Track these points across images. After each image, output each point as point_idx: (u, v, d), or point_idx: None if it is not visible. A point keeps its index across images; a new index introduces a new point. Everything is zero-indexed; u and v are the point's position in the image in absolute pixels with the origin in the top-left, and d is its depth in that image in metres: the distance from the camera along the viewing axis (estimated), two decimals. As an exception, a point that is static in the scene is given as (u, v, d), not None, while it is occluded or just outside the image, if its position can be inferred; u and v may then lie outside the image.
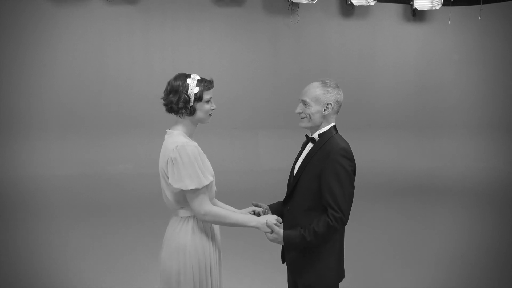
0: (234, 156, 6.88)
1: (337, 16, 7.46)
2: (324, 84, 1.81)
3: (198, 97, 1.76)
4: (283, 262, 2.01)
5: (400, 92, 7.76)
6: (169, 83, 1.79)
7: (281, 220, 1.83)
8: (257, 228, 1.77)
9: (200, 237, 1.78)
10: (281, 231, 1.75)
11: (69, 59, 6.44)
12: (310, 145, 1.85)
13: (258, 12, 7.11)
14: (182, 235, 1.77)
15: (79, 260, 3.67)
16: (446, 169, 7.27)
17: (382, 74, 7.71)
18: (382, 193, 6.28)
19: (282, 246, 1.97)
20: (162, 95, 1.81)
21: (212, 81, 1.82)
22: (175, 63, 6.77)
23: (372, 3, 6.94)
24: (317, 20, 7.35)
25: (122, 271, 3.47)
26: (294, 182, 1.84)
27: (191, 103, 1.75)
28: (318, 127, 1.83)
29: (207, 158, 1.83)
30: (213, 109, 1.83)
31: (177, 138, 1.74)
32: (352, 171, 1.74)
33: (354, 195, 1.77)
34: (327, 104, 1.79)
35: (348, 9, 7.44)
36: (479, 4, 6.93)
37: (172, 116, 1.85)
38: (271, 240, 1.78)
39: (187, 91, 1.74)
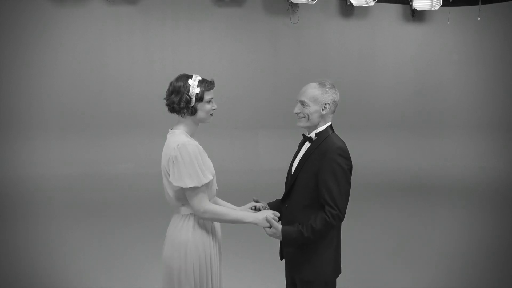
0: (234, 156, 6.90)
1: (336, 16, 7.48)
2: (321, 84, 1.86)
3: (199, 98, 1.80)
4: (281, 259, 2.05)
5: (399, 92, 7.79)
6: (171, 83, 1.83)
7: (278, 214, 1.87)
8: (255, 223, 1.82)
9: (201, 234, 1.82)
10: (280, 226, 1.80)
11: (70, 59, 6.46)
12: (307, 144, 1.90)
13: (258, 12, 7.13)
14: (183, 232, 1.81)
15: (80, 260, 3.67)
16: (446, 169, 7.30)
17: (381, 74, 7.74)
18: (382, 192, 6.31)
19: (280, 243, 2.01)
20: (162, 95, 1.86)
21: (213, 81, 1.86)
22: (175, 63, 6.79)
23: (372, 4, 6.96)
24: (317, 20, 7.37)
25: (123, 270, 3.48)
26: (292, 180, 1.89)
27: (193, 103, 1.79)
28: (315, 126, 1.87)
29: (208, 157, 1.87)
30: (214, 109, 1.87)
31: (179, 137, 1.78)
32: (348, 169, 1.79)
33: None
34: (325, 104, 1.84)
35: (347, 10, 7.46)
36: (478, 4, 6.95)
37: (173, 116, 1.88)
38: (270, 235, 1.83)
39: (188, 92, 1.78)
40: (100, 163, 6.46)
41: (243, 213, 1.87)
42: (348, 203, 1.83)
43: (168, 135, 1.84)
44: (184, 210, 1.83)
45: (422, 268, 3.59)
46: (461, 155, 7.56)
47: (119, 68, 6.67)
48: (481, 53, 7.75)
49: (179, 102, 1.78)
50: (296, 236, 1.76)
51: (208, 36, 6.99)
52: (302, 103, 1.85)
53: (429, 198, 6.06)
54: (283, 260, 2.02)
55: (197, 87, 1.79)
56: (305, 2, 6.78)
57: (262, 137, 7.27)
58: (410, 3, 7.36)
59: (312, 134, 1.88)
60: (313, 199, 1.80)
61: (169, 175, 1.76)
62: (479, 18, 6.78)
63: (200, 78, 1.82)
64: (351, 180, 1.85)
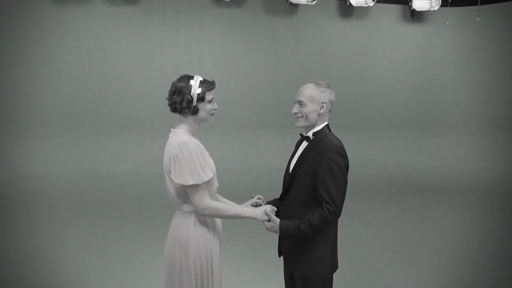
0: (234, 155, 6.93)
1: (336, 17, 7.52)
2: (317, 85, 1.91)
3: (201, 98, 1.85)
4: (279, 256, 2.09)
5: (399, 92, 7.82)
6: (173, 84, 1.88)
7: (275, 209, 1.94)
8: (254, 218, 1.88)
9: (202, 231, 1.87)
10: (278, 219, 1.86)
11: (70, 59, 6.47)
12: (304, 143, 1.95)
13: (258, 12, 7.17)
14: (184, 228, 1.85)
15: (80, 260, 3.68)
16: (445, 169, 7.32)
17: (381, 74, 7.77)
18: (381, 192, 6.33)
19: (279, 241, 2.06)
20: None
21: (214, 82, 1.91)
22: (175, 63, 6.82)
23: (371, 4, 7.00)
24: (317, 20, 7.40)
25: (123, 270, 3.49)
26: (290, 179, 1.94)
27: (194, 103, 1.85)
28: (313, 126, 1.92)
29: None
30: (215, 109, 1.93)
31: (180, 136, 1.82)
32: (345, 167, 1.84)
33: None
34: (322, 103, 1.89)
35: (347, 10, 7.50)
36: (477, 5, 6.99)
37: (172, 116, 1.93)
38: (268, 229, 1.88)
39: (190, 92, 1.83)
40: (100, 163, 6.47)
41: (242, 208, 1.93)
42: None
43: (170, 134, 1.89)
44: (186, 207, 1.87)
45: (421, 267, 3.61)
46: (461, 155, 7.59)
47: (120, 68, 6.69)
48: (480, 53, 7.78)
49: (181, 102, 1.83)
50: (294, 229, 1.81)
51: (208, 36, 7.02)
52: (300, 103, 1.90)
53: (429, 197, 6.08)
54: (282, 256, 2.07)
55: (199, 87, 1.84)
56: (304, 3, 6.82)
57: (262, 137, 7.30)
58: (410, 4, 7.40)
59: (310, 134, 1.93)
60: (311, 197, 1.85)
61: (170, 173, 1.81)
62: (478, 19, 6.82)
63: (202, 79, 1.87)
64: (349, 178, 1.89)
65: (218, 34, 7.06)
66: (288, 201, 1.96)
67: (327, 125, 1.94)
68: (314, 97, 1.88)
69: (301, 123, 1.92)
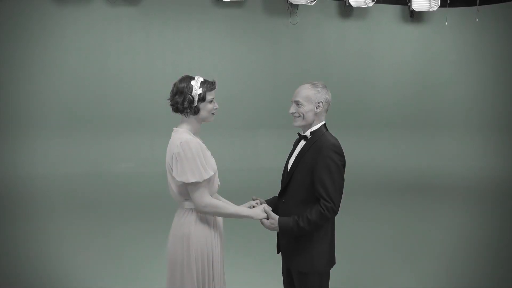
0: (234, 155, 6.95)
1: (335, 17, 7.54)
2: (314, 85, 1.97)
3: (202, 98, 1.90)
4: (278, 252, 2.14)
5: (398, 92, 7.85)
6: (174, 85, 1.93)
7: (271, 208, 2.00)
8: (252, 217, 1.93)
9: (203, 227, 1.91)
10: (277, 216, 1.92)
11: (71, 59, 6.49)
12: (302, 143, 2.00)
13: (258, 13, 7.19)
14: (186, 225, 1.90)
15: (80, 259, 3.68)
16: (446, 168, 7.35)
17: (380, 74, 7.80)
18: (381, 191, 6.35)
19: (277, 238, 2.11)
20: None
21: (215, 82, 1.96)
22: (176, 63, 6.85)
23: (370, 4, 7.03)
24: (316, 21, 7.43)
25: (124, 269, 3.51)
26: (288, 177, 1.99)
27: (195, 103, 1.89)
28: (310, 125, 1.97)
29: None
30: (216, 109, 1.98)
31: (182, 135, 1.87)
32: (342, 165, 1.89)
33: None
34: (319, 103, 1.95)
35: (346, 10, 7.53)
36: (476, 5, 7.02)
37: (173, 116, 1.98)
38: (267, 226, 1.93)
39: (191, 92, 1.88)
40: (100, 163, 6.48)
41: (241, 207, 1.99)
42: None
43: (173, 133, 1.93)
44: (187, 204, 1.92)
45: (421, 266, 3.63)
46: (460, 155, 7.62)
47: (120, 68, 6.71)
48: (479, 53, 7.82)
49: (182, 102, 1.88)
50: (292, 225, 1.86)
51: (209, 37, 7.05)
52: (297, 103, 1.96)
53: (429, 197, 6.09)
54: (280, 253, 2.12)
55: (200, 87, 1.89)
56: (304, 3, 6.85)
57: (261, 137, 7.32)
58: (409, 4, 7.43)
59: (307, 133, 1.98)
60: (309, 195, 1.90)
61: (173, 171, 1.86)
62: (476, 19, 6.85)
63: (202, 79, 1.92)
64: (349, 178, 1.92)
65: (218, 35, 7.09)
66: (287, 199, 2.01)
67: (324, 124, 1.99)
68: (310, 97, 1.94)
69: (298, 122, 1.98)
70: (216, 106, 1.96)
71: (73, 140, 6.50)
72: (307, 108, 1.94)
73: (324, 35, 7.54)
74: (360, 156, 7.29)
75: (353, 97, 7.61)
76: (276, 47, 7.34)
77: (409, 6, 7.42)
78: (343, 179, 1.89)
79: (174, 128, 1.95)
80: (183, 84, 1.88)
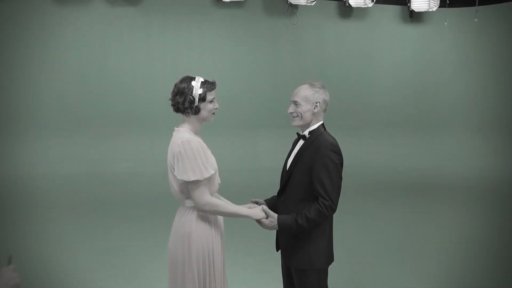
0: (234, 155, 6.96)
1: (335, 18, 7.56)
2: (312, 85, 2.00)
3: (202, 98, 1.93)
4: (277, 250, 2.17)
5: (398, 92, 7.86)
6: (175, 85, 1.95)
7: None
8: (250, 216, 1.96)
9: (203, 225, 1.94)
10: (276, 214, 1.95)
11: (71, 59, 6.50)
12: (301, 142, 2.03)
13: (258, 13, 7.20)
14: (187, 223, 1.92)
15: (80, 259, 3.69)
16: (446, 168, 7.36)
17: (380, 74, 7.81)
18: (381, 191, 6.35)
19: (276, 236, 2.14)
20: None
21: (215, 82, 1.99)
22: (176, 63, 6.86)
23: (370, 5, 7.05)
24: (316, 21, 7.45)
25: (124, 269, 3.51)
26: (287, 176, 2.02)
27: (196, 103, 1.92)
28: (308, 125, 2.00)
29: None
30: (216, 108, 2.00)
31: (183, 135, 1.90)
32: (339, 164, 1.92)
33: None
34: (316, 103, 1.97)
35: (346, 11, 7.54)
36: (475, 6, 7.03)
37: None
38: (267, 225, 1.95)
39: (192, 93, 1.91)
40: (101, 163, 6.49)
41: (240, 207, 2.02)
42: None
43: (174, 133, 1.96)
44: (188, 202, 1.94)
45: (420, 265, 3.63)
46: (460, 155, 7.63)
47: (120, 69, 6.72)
48: (478, 53, 7.84)
49: (183, 103, 1.90)
50: (291, 223, 1.89)
51: (209, 37, 7.06)
52: (295, 103, 1.99)
53: (429, 197, 6.09)
54: (279, 251, 2.15)
55: (200, 88, 1.92)
56: (304, 4, 6.86)
57: (261, 137, 7.33)
58: (408, 5, 7.44)
59: (306, 132, 2.01)
60: (307, 193, 1.93)
61: (174, 169, 1.88)
62: (476, 19, 6.87)
63: (203, 80, 1.95)
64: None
65: (218, 35, 7.10)
66: (286, 197, 2.04)
67: (322, 124, 2.02)
68: (308, 97, 1.97)
69: (297, 122, 2.00)
70: (217, 106, 1.99)
71: (73, 140, 6.51)
72: (305, 108, 1.97)
73: (324, 36, 7.56)
74: (360, 156, 7.30)
75: (352, 97, 7.63)
76: (276, 47, 7.35)
77: (409, 7, 7.44)
78: (341, 178, 1.92)
79: (175, 128, 1.98)
80: (184, 85, 1.91)
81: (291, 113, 2.01)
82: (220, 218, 2.06)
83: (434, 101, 7.93)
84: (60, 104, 6.49)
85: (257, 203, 2.15)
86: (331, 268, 2.07)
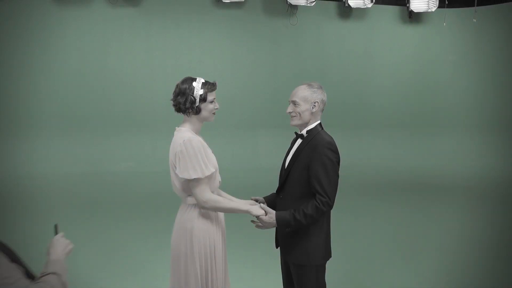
0: (234, 155, 6.97)
1: (335, 18, 7.57)
2: (310, 86, 2.06)
3: (203, 98, 1.97)
4: (276, 247, 2.23)
5: (397, 93, 7.88)
6: (177, 86, 2.00)
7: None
8: (250, 212, 1.98)
9: (205, 222, 1.98)
10: (274, 211, 1.99)
11: (71, 59, 6.52)
12: (299, 141, 2.09)
13: (258, 14, 7.22)
14: (189, 220, 1.97)
15: (80, 259, 3.67)
16: (445, 168, 7.37)
17: (379, 75, 7.83)
18: (381, 191, 6.36)
19: (276, 233, 2.19)
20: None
21: (215, 83, 2.04)
22: (176, 64, 6.87)
23: (369, 5, 7.06)
24: (316, 22, 7.46)
25: (125, 268, 3.52)
26: (286, 174, 2.08)
27: (197, 104, 1.96)
28: (306, 124, 2.06)
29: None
30: (217, 109, 2.05)
31: (185, 134, 1.94)
32: (336, 162, 1.98)
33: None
34: (314, 103, 2.03)
35: (345, 11, 7.56)
36: (474, 6, 7.05)
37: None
38: (265, 221, 1.97)
39: (193, 93, 1.96)
40: (101, 162, 6.51)
41: (239, 203, 2.05)
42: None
43: (175, 132, 2.00)
44: (190, 200, 1.98)
45: (420, 265, 3.64)
46: (460, 155, 7.65)
47: (121, 69, 6.73)
48: (478, 54, 7.86)
49: (184, 103, 1.95)
50: (289, 218, 1.94)
51: (209, 37, 7.08)
52: (294, 103, 2.04)
53: (428, 197, 6.09)
54: (278, 247, 2.20)
55: (201, 88, 1.96)
56: (304, 4, 6.88)
57: (261, 136, 7.35)
58: (407, 5, 7.46)
59: (304, 131, 2.06)
60: (305, 190, 1.98)
61: (176, 168, 1.92)
62: (474, 20, 6.89)
63: (204, 81, 1.99)
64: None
65: (219, 35, 7.12)
66: (284, 195, 2.09)
67: (320, 123, 2.08)
68: (306, 97, 2.02)
69: (295, 121, 2.06)
70: (217, 106, 2.03)
71: (73, 140, 6.52)
72: (303, 107, 2.02)
73: (324, 36, 7.57)
74: (359, 156, 7.32)
75: (352, 97, 7.64)
76: (276, 48, 7.37)
77: (408, 7, 7.46)
78: (337, 175, 1.97)
79: (176, 128, 2.02)
80: (185, 85, 1.96)
81: (289, 112, 2.06)
82: (221, 215, 2.10)
83: (433, 101, 7.95)
84: (60, 104, 6.50)
85: (256, 200, 2.19)
86: (330, 266, 2.10)
